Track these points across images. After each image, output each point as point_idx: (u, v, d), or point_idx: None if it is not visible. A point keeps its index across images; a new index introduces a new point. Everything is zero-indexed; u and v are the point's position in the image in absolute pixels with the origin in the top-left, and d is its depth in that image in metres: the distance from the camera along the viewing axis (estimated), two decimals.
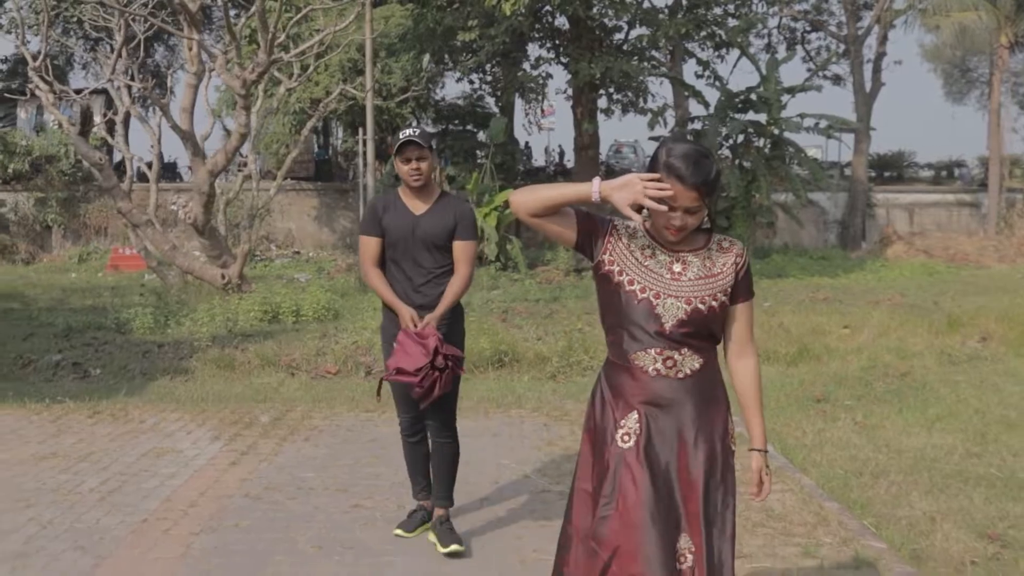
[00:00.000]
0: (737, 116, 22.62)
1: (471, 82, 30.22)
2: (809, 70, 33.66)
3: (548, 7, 23.37)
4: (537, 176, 32.12)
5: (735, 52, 24.22)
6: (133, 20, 16.27)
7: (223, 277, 14.33)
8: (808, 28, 36.01)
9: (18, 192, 26.30)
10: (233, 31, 14.35)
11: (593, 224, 3.02)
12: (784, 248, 26.32)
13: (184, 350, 10.41)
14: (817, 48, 36.10)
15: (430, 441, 4.93)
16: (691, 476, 2.91)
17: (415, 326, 4.55)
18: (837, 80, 34.93)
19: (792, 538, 4.95)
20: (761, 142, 22.59)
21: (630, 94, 26.99)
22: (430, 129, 30.23)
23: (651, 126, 23.36)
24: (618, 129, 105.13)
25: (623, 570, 2.82)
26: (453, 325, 4.77)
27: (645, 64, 24.48)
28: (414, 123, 26.36)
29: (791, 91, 22.55)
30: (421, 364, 4.42)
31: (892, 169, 35.87)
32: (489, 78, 29.88)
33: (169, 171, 30.54)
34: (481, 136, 28.72)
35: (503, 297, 16.12)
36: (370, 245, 4.76)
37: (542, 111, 31.99)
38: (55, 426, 7.40)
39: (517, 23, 21.47)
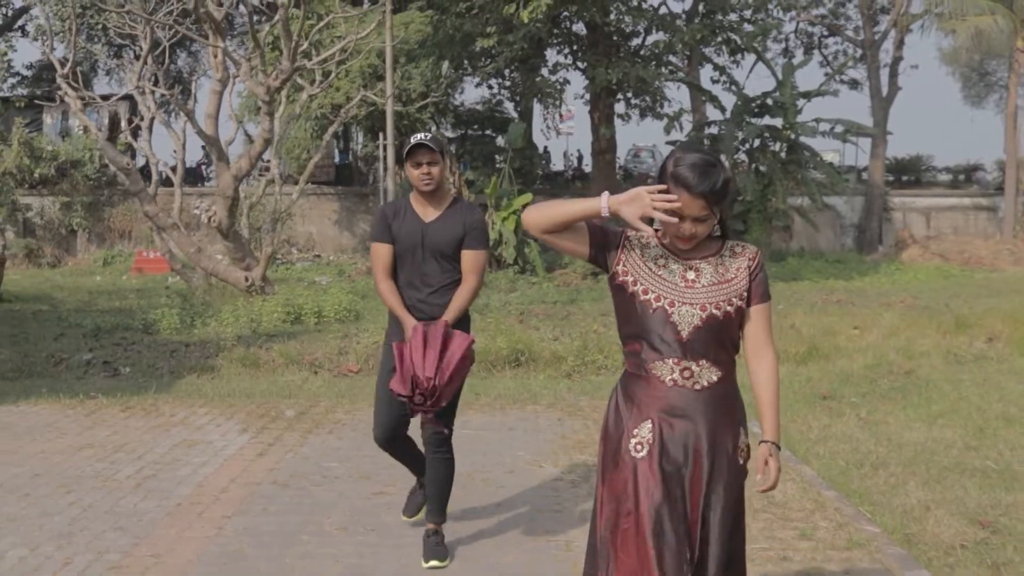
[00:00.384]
0: (753, 120, 22.78)
1: (490, 87, 30.65)
2: (826, 74, 33.84)
3: (566, 13, 23.62)
4: (555, 180, 32.37)
5: (751, 57, 24.36)
6: (159, 28, 16.61)
7: (246, 279, 14.62)
8: (825, 33, 36.25)
9: (44, 196, 26.72)
10: (257, 39, 14.68)
11: (606, 237, 3.07)
12: (800, 252, 26.41)
13: (210, 349, 10.72)
14: (834, 53, 36.37)
15: (426, 454, 4.81)
16: (702, 489, 2.96)
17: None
18: (854, 84, 35.09)
19: (790, 523, 5.21)
20: (777, 146, 22.73)
21: (647, 99, 27.12)
22: (449, 134, 30.55)
23: (667, 131, 23.48)
24: (636, 133, 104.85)
25: None
26: None
27: (662, 69, 24.71)
28: (432, 128, 26.65)
29: (807, 95, 22.73)
30: (405, 392, 4.36)
31: (910, 173, 35.87)
32: (508, 83, 30.22)
33: (191, 175, 30.92)
34: (500, 141, 28.94)
35: (521, 299, 16.34)
36: (381, 251, 4.69)
37: (560, 116, 32.16)
38: (89, 420, 7.73)
39: (535, 29, 21.70)
